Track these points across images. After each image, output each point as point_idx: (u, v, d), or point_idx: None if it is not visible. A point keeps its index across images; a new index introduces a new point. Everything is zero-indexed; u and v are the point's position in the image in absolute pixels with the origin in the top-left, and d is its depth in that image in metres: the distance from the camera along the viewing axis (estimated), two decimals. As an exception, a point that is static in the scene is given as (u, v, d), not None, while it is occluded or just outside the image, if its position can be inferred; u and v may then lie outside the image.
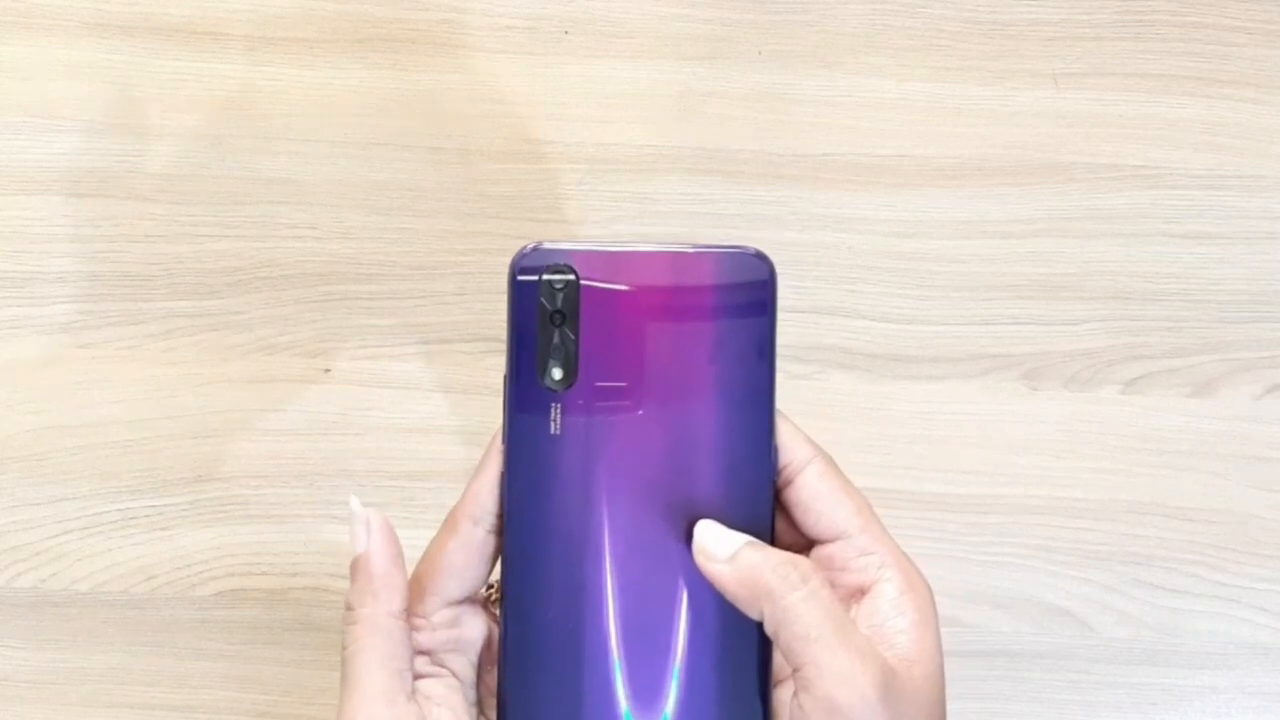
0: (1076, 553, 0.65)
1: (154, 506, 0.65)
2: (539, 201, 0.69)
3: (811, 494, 0.40)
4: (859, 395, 0.67)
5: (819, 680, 0.36)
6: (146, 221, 0.68)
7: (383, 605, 0.39)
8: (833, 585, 0.38)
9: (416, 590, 0.40)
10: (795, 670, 0.36)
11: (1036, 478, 0.66)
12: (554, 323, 0.40)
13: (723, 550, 0.38)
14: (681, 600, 0.39)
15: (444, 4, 0.72)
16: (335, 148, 0.69)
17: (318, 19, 0.71)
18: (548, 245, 0.40)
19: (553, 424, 0.39)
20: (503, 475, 0.40)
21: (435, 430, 0.66)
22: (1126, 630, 0.64)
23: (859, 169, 0.69)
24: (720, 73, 0.71)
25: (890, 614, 0.38)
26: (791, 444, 0.40)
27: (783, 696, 0.39)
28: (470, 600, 0.41)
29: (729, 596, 0.38)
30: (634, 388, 0.40)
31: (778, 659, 0.39)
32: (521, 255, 0.40)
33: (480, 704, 0.41)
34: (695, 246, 0.40)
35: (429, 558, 0.40)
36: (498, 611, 0.40)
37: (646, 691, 0.39)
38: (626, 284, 0.40)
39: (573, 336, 0.39)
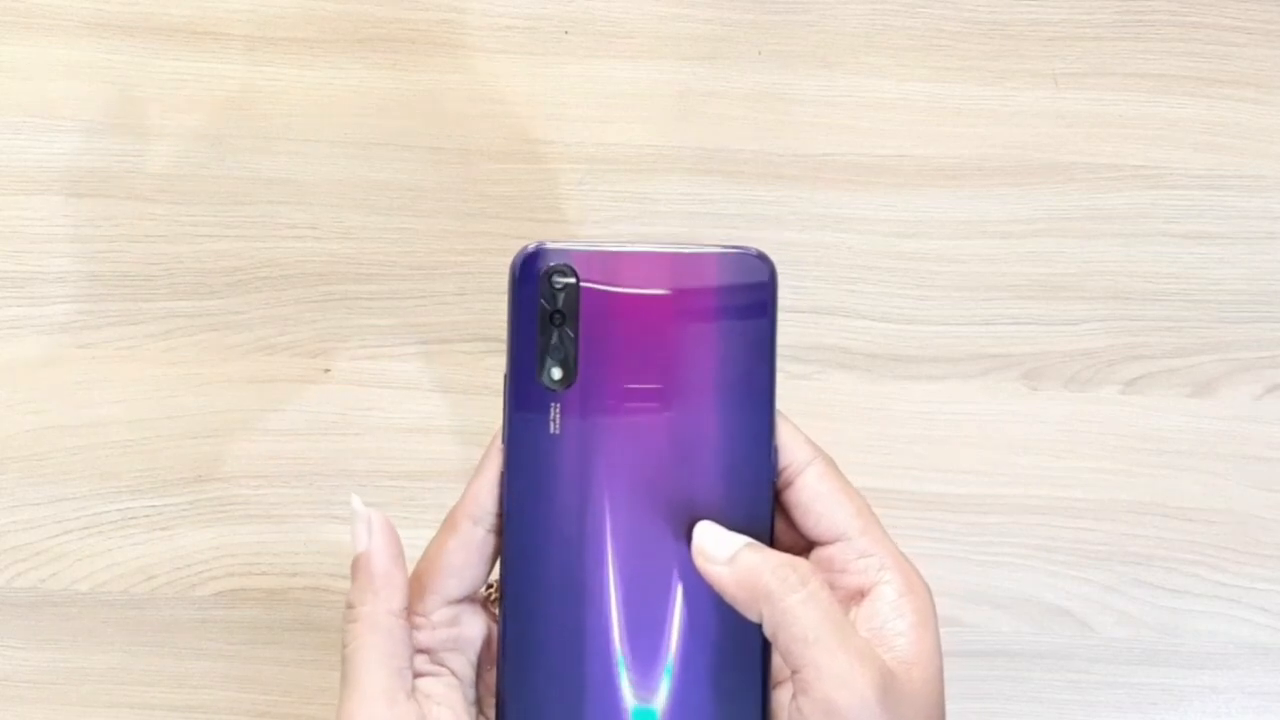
0: (1076, 553, 0.65)
1: (154, 506, 0.65)
2: (539, 201, 0.69)
3: (811, 495, 0.40)
4: (859, 395, 0.67)
5: (818, 683, 0.36)
6: (146, 221, 0.68)
7: (383, 603, 0.39)
8: (832, 587, 0.38)
9: (417, 589, 0.40)
10: (794, 672, 0.36)
11: (1036, 478, 0.66)
12: (554, 323, 0.40)
13: (722, 552, 0.38)
14: (681, 601, 0.39)
15: (444, 4, 0.72)
16: (335, 148, 0.69)
17: (318, 19, 0.71)
18: (548, 245, 0.40)
19: (552, 424, 0.40)
20: (502, 475, 0.40)
21: (435, 430, 0.66)
22: (1126, 630, 0.64)
23: (859, 169, 0.70)
24: (720, 73, 0.71)
25: (889, 616, 0.38)
26: (791, 445, 0.40)
27: (782, 698, 0.39)
28: (470, 599, 0.41)
29: (728, 598, 0.38)
30: (634, 388, 0.40)
31: (777, 660, 0.39)
32: (522, 255, 0.40)
33: (479, 703, 0.41)
34: (696, 247, 0.40)
35: (429, 557, 0.40)
36: (497, 611, 0.40)
37: (645, 691, 0.39)
38: (627, 284, 0.40)
39: (573, 336, 0.39)
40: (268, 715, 0.63)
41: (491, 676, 0.40)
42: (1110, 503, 0.65)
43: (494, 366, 0.66)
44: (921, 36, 0.71)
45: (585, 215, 0.69)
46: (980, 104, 0.71)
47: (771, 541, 0.39)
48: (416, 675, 0.39)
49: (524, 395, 0.39)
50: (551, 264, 0.40)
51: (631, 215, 0.69)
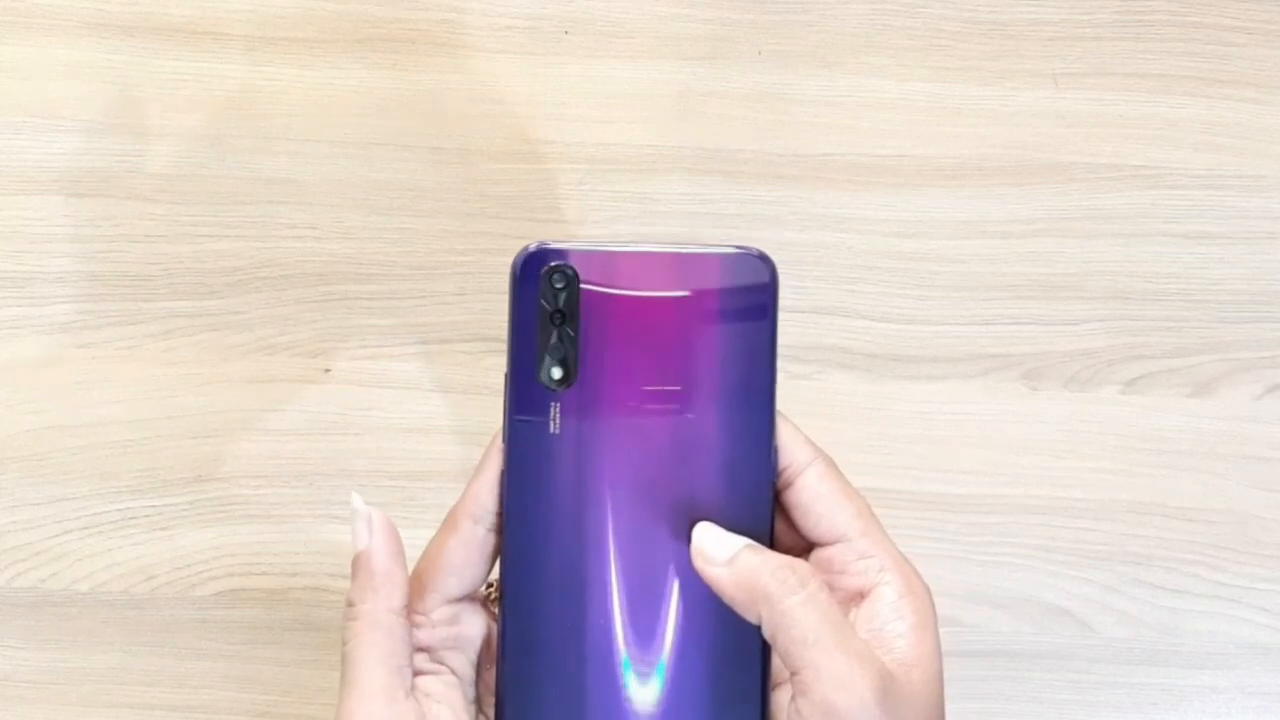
0: (1076, 553, 0.65)
1: (154, 506, 0.65)
2: (539, 201, 0.69)
3: (811, 496, 0.40)
4: (859, 395, 0.67)
5: (817, 684, 0.36)
6: (146, 221, 0.68)
7: (383, 602, 0.39)
8: (832, 588, 0.38)
9: (417, 587, 0.40)
10: (793, 674, 0.36)
11: (1036, 478, 0.66)
12: (554, 322, 0.40)
13: (721, 553, 0.38)
14: (680, 601, 0.39)
15: (444, 4, 0.72)
16: (335, 148, 0.69)
17: (318, 19, 0.71)
18: (549, 245, 0.40)
19: (552, 423, 0.40)
20: (503, 474, 0.40)
21: (435, 430, 0.66)
22: (1126, 630, 0.64)
23: (859, 169, 0.70)
24: (720, 73, 0.71)
25: (889, 618, 0.38)
26: (792, 445, 0.40)
27: (781, 700, 0.39)
28: (470, 598, 0.41)
29: (727, 600, 0.38)
30: (634, 388, 0.40)
31: (776, 662, 0.39)
32: (523, 255, 0.40)
33: (479, 701, 0.41)
34: (697, 247, 0.40)
35: (429, 555, 0.40)
36: (497, 610, 0.40)
37: (644, 691, 0.39)
38: (627, 284, 0.40)
39: (573, 336, 0.39)
40: (268, 715, 0.63)
41: (491, 675, 0.40)
42: (1110, 503, 0.65)
43: (494, 366, 0.66)
44: (921, 36, 0.71)
45: (585, 215, 0.69)
46: (980, 104, 0.71)
47: (771, 542, 0.39)
48: (416, 673, 0.39)
49: (524, 395, 0.40)
50: (552, 264, 0.40)
51: (631, 215, 0.69)
